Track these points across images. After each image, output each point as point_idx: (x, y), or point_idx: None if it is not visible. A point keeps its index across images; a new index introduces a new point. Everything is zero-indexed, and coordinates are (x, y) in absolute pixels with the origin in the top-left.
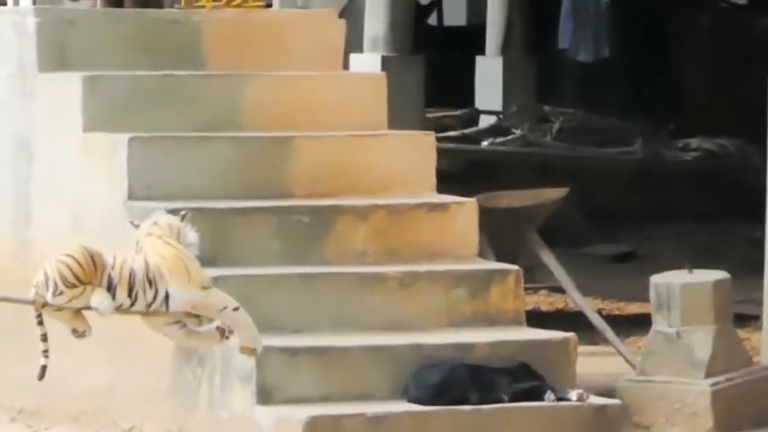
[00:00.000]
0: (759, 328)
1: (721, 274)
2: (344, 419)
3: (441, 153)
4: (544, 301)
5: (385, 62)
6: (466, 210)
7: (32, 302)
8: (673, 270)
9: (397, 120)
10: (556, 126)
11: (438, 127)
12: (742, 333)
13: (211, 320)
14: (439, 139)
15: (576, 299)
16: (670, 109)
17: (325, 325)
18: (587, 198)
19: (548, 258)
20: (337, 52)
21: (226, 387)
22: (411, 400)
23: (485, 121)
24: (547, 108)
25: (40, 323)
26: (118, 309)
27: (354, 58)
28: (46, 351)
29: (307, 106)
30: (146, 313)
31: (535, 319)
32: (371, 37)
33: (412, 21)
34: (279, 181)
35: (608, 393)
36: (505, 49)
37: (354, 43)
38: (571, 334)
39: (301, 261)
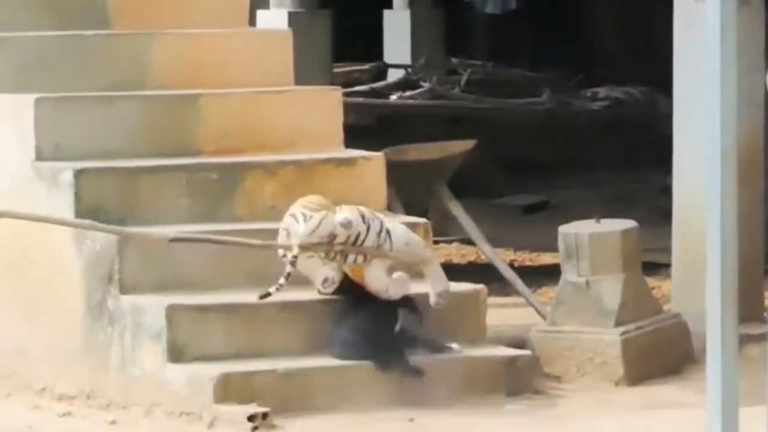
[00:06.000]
0: (670, 276)
1: (628, 223)
2: (256, 376)
3: (349, 108)
4: (456, 254)
5: (292, 18)
6: (373, 164)
7: (289, 246)
8: (584, 219)
9: (305, 76)
10: (464, 78)
11: (346, 81)
12: (653, 281)
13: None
14: (347, 94)
15: (485, 251)
16: (579, 59)
17: (235, 282)
18: (498, 149)
19: (457, 210)
20: (243, 9)
21: (137, 346)
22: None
23: (394, 75)
24: (455, 60)
25: (293, 264)
26: (357, 240)
27: (260, 14)
28: (280, 285)
29: (214, 63)
30: (375, 251)
31: (448, 271)
32: None
33: None
34: (187, 139)
35: (519, 344)
36: (413, 2)
37: None
38: (480, 286)
39: (210, 218)
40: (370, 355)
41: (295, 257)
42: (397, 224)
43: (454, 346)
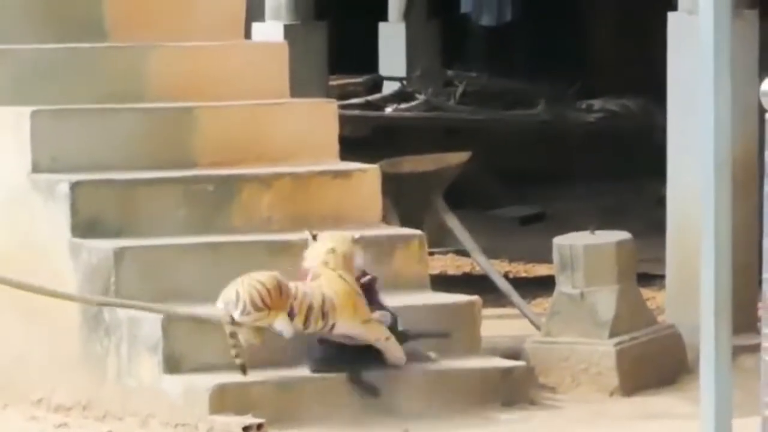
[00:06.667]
0: (664, 287)
1: (623, 235)
2: (251, 386)
3: (345, 120)
4: (451, 265)
5: (288, 30)
6: (369, 176)
7: (220, 320)
8: (579, 231)
9: (301, 88)
10: (459, 90)
11: (342, 94)
12: (648, 292)
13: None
14: (343, 107)
15: (480, 262)
16: (575, 70)
17: None
18: (494, 161)
19: (452, 222)
20: (239, 21)
21: (134, 356)
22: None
23: (389, 88)
24: (450, 72)
25: (232, 336)
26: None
27: (256, 26)
28: (238, 355)
29: (210, 76)
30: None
31: (443, 282)
32: (273, 5)
33: None
34: (183, 151)
35: (514, 355)
36: (408, 14)
37: (256, 11)
38: (475, 297)
39: (207, 230)
40: (343, 368)
41: (233, 333)
42: (354, 320)
43: (432, 354)
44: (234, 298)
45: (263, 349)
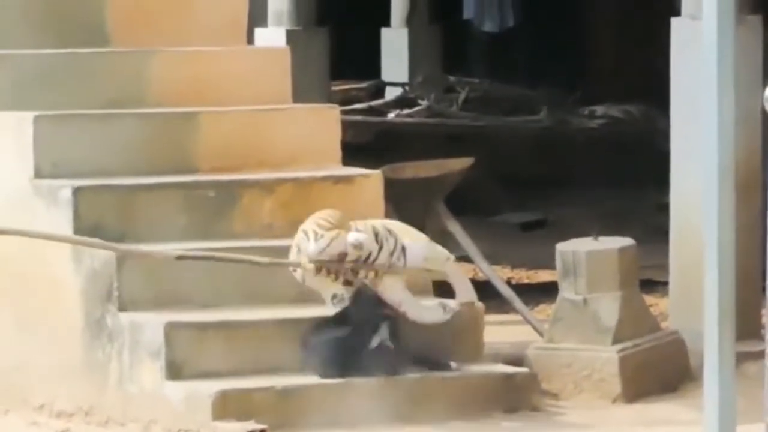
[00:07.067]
0: (667, 293)
1: (626, 241)
2: (254, 393)
3: (348, 125)
4: None
5: (290, 36)
6: (371, 182)
7: (297, 264)
8: (581, 237)
9: (303, 93)
10: (462, 96)
11: (344, 99)
12: (651, 299)
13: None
14: (345, 112)
15: (483, 268)
16: (577, 76)
17: (233, 300)
18: (496, 167)
19: (455, 227)
20: (241, 27)
21: (136, 363)
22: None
23: (391, 93)
24: (452, 78)
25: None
26: (368, 259)
27: (259, 32)
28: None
29: (212, 81)
30: (388, 268)
31: (445, 288)
32: (275, 11)
33: None
34: (184, 156)
35: (517, 361)
36: (410, 20)
37: (258, 17)
38: (478, 303)
39: (208, 236)
40: (347, 371)
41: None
42: (418, 239)
43: (453, 364)
44: (303, 236)
45: (264, 354)
